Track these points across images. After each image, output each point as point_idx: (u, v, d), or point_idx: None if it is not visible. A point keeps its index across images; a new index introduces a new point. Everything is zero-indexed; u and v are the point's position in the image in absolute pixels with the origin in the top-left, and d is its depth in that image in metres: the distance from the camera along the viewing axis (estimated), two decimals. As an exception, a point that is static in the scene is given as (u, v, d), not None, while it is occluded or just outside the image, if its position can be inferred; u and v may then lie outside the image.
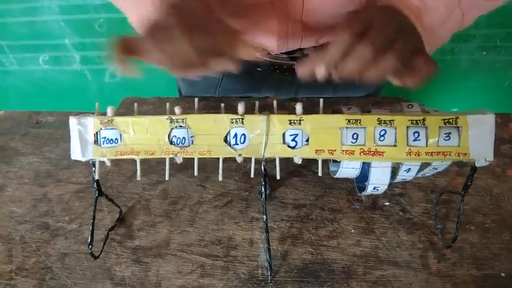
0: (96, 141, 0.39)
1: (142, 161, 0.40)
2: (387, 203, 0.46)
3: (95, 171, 0.40)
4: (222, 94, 0.66)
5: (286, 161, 0.50)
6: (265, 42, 0.54)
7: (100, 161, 0.40)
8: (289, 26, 0.50)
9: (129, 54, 0.35)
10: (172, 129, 0.38)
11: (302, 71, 0.37)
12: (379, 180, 0.39)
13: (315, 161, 0.38)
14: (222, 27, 0.35)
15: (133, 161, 0.40)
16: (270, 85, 0.64)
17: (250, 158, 0.39)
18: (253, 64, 0.59)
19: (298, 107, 0.37)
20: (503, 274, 0.40)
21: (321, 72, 0.36)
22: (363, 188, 0.41)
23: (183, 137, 0.38)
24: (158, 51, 0.34)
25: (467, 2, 0.42)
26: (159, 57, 0.34)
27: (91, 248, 0.40)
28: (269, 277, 0.40)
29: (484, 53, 1.13)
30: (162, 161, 0.52)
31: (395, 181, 0.40)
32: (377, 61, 0.34)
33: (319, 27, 0.49)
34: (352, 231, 0.44)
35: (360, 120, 0.36)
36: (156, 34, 0.34)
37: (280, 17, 0.49)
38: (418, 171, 0.39)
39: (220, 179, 0.39)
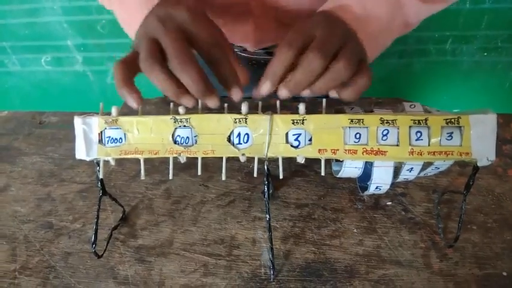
0: (100, 141, 0.39)
1: (146, 161, 0.40)
2: (389, 203, 0.47)
3: (99, 171, 0.40)
4: None
5: (289, 161, 0.50)
6: (241, 39, 0.54)
7: (104, 161, 0.40)
8: (264, 22, 0.51)
9: (133, 75, 0.34)
10: (176, 128, 0.38)
11: (256, 95, 0.36)
12: (381, 180, 0.39)
13: (318, 160, 0.38)
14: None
15: (137, 161, 0.40)
16: (251, 82, 0.64)
17: (253, 158, 0.39)
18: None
19: (301, 106, 0.37)
20: (505, 273, 0.40)
21: (266, 88, 0.35)
22: (366, 188, 0.41)
23: (187, 137, 0.38)
24: (166, 81, 0.34)
25: (409, 8, 0.41)
26: (168, 88, 0.34)
27: (95, 247, 0.41)
28: (272, 276, 0.40)
29: (486, 54, 1.13)
30: (165, 161, 0.52)
31: (397, 181, 0.41)
32: (326, 70, 0.33)
33: (294, 23, 0.50)
34: (355, 230, 0.44)
35: (362, 119, 0.36)
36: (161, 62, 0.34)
37: (255, 14, 0.50)
38: (421, 171, 0.39)
39: (223, 178, 0.39)
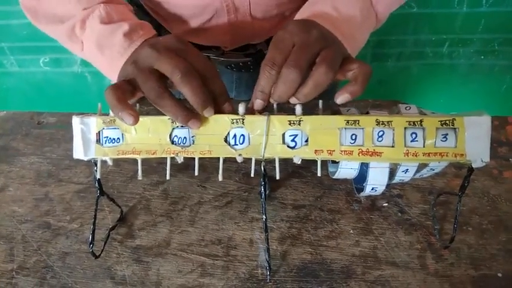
0: (98, 141, 0.39)
1: (143, 161, 0.40)
2: (385, 204, 0.47)
3: (96, 171, 0.40)
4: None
5: (286, 162, 0.51)
6: (218, 39, 0.55)
7: (102, 161, 0.40)
8: (239, 20, 0.52)
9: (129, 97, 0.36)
10: (173, 129, 0.38)
11: (247, 110, 0.38)
12: (377, 181, 0.39)
13: (315, 162, 0.39)
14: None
15: (134, 161, 0.40)
16: (230, 84, 0.65)
17: (250, 159, 0.39)
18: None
19: (298, 108, 0.37)
20: (500, 274, 0.40)
21: (259, 105, 0.37)
22: (361, 189, 0.42)
23: (184, 137, 0.38)
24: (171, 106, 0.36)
25: (378, 2, 0.43)
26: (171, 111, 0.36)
27: (92, 247, 0.41)
28: (268, 277, 0.40)
29: (482, 57, 1.14)
30: (162, 162, 0.52)
31: (393, 182, 0.41)
32: (310, 76, 0.35)
33: (269, 16, 0.50)
34: (351, 231, 0.45)
35: (358, 121, 0.36)
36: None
37: (228, 12, 0.51)
38: (416, 172, 0.39)
39: (220, 179, 0.39)
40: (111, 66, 0.41)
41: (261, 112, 0.38)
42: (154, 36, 0.42)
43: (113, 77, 0.40)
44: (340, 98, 0.36)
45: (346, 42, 0.39)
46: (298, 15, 0.43)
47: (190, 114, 0.36)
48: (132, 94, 0.37)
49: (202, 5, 0.51)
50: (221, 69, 0.61)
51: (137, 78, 0.36)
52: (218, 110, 0.37)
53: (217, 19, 0.52)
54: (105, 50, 0.41)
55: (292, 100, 0.37)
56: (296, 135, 0.37)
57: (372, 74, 0.36)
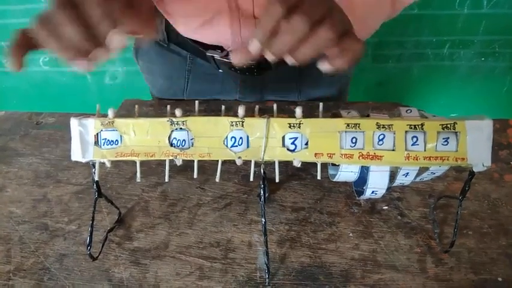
0: (96, 143, 0.39)
1: (142, 163, 0.40)
2: (385, 207, 0.47)
3: (94, 173, 0.40)
4: (189, 97, 0.66)
5: (286, 164, 0.50)
6: (221, 39, 0.55)
7: (100, 162, 0.40)
8: (242, 21, 0.51)
9: (30, 46, 0.34)
10: (172, 131, 0.38)
11: (235, 56, 0.35)
12: (377, 184, 0.39)
13: (314, 164, 0.38)
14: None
15: (133, 163, 0.40)
16: (234, 87, 0.64)
17: (250, 161, 0.39)
18: (215, 66, 0.60)
19: (298, 110, 0.37)
20: (500, 279, 0.40)
21: (255, 46, 0.33)
22: (362, 192, 0.42)
23: (183, 139, 0.38)
24: (50, 38, 0.33)
25: None
26: (53, 44, 0.33)
27: (90, 249, 0.40)
28: (267, 280, 0.40)
29: (483, 59, 1.14)
30: (161, 163, 0.52)
31: (393, 185, 0.41)
32: (312, 34, 0.32)
33: None
34: (351, 234, 0.44)
35: (358, 124, 0.36)
36: (46, 20, 0.33)
37: (231, 13, 0.50)
38: (416, 176, 0.39)
39: (217, 180, 0.39)
40: None
41: (260, 114, 0.38)
42: None
43: None
44: (325, 65, 0.34)
45: (357, 26, 0.37)
46: None
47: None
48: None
49: (204, 4, 0.50)
50: (226, 71, 0.61)
51: None
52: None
53: (219, 19, 0.52)
54: None
55: (290, 58, 0.33)
56: (296, 138, 0.37)
57: (362, 52, 0.34)
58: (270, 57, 0.33)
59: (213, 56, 0.57)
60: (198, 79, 0.64)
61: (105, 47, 0.33)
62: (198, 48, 0.57)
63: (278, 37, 0.33)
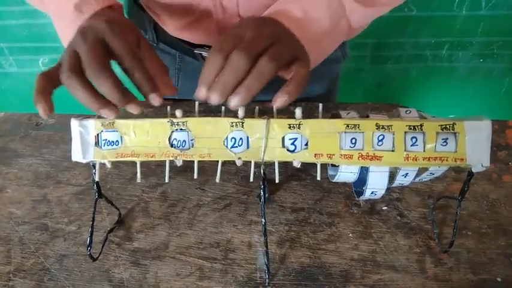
0: (97, 143, 0.39)
1: (142, 164, 0.40)
2: (385, 208, 0.47)
3: (95, 173, 0.40)
4: (181, 96, 0.66)
5: (285, 165, 0.51)
6: (207, 37, 0.55)
7: (100, 163, 0.40)
8: (227, 20, 0.52)
9: (53, 87, 0.36)
10: (172, 132, 0.38)
11: (197, 97, 0.36)
12: (377, 185, 0.39)
13: (314, 165, 0.38)
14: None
15: (133, 164, 0.40)
16: None
17: (250, 162, 0.39)
18: (203, 64, 0.61)
19: (298, 111, 0.37)
20: (499, 279, 0.40)
21: (201, 94, 0.35)
22: (361, 193, 0.42)
23: (184, 140, 0.38)
24: (79, 91, 0.34)
25: (352, 13, 0.42)
26: (83, 98, 0.34)
27: (90, 250, 0.40)
28: (267, 280, 0.40)
29: (481, 60, 1.14)
30: (161, 164, 0.52)
31: (392, 186, 0.41)
32: (253, 68, 0.33)
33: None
34: (350, 235, 0.44)
35: (358, 125, 0.36)
36: (76, 72, 0.34)
37: (216, 11, 0.51)
38: (416, 176, 0.39)
39: (217, 180, 0.39)
40: (64, 38, 0.41)
41: (260, 115, 0.38)
42: (107, 8, 0.39)
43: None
44: (278, 101, 0.34)
45: (309, 45, 0.38)
46: (266, 12, 0.42)
47: (127, 99, 0.34)
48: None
49: (190, 4, 0.51)
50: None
51: (80, 49, 0.34)
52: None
53: (205, 18, 0.52)
54: (60, 19, 0.42)
55: (231, 99, 0.34)
56: (296, 139, 0.37)
57: (307, 80, 0.35)
58: (215, 99, 0.34)
59: (201, 54, 0.58)
60: (189, 77, 0.64)
61: (136, 101, 0.35)
62: (187, 47, 0.58)
63: (219, 76, 0.33)
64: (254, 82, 0.33)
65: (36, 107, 0.35)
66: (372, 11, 0.44)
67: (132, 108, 0.35)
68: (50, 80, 0.35)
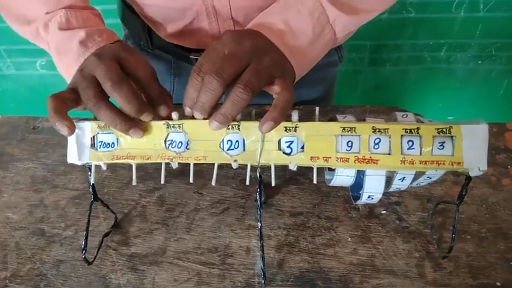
0: (92, 145, 0.39)
1: (139, 168, 0.40)
2: (384, 212, 0.47)
3: (90, 175, 0.40)
4: (177, 101, 0.67)
5: (283, 169, 0.50)
6: (200, 41, 0.55)
7: (96, 166, 0.40)
8: (220, 24, 0.52)
9: (69, 107, 0.36)
10: (168, 134, 0.38)
11: (185, 113, 0.38)
12: (373, 189, 0.39)
13: (312, 168, 0.38)
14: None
15: (130, 168, 0.40)
16: None
17: (247, 166, 0.39)
18: None
19: (294, 114, 0.37)
20: (498, 283, 0.40)
21: (186, 111, 0.37)
22: (358, 197, 0.41)
23: (180, 142, 0.38)
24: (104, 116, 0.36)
25: (336, 22, 0.42)
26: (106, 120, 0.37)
27: (84, 253, 0.40)
28: (263, 285, 0.40)
29: (480, 62, 1.14)
30: (159, 168, 0.52)
31: (389, 190, 0.41)
32: (229, 96, 0.34)
33: (251, 20, 0.50)
34: (349, 239, 0.44)
35: (354, 128, 0.36)
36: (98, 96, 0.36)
37: (209, 15, 0.51)
38: (413, 181, 0.39)
39: (213, 183, 0.39)
40: (67, 72, 0.42)
41: (257, 118, 0.38)
42: (112, 43, 0.42)
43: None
44: (264, 127, 0.35)
45: (293, 57, 0.39)
46: (249, 25, 0.43)
47: (129, 123, 0.36)
48: (76, 103, 0.37)
49: (182, 8, 0.51)
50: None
51: (79, 86, 0.36)
52: (156, 113, 0.38)
53: (198, 22, 0.52)
54: (63, 56, 0.42)
55: (210, 124, 0.36)
56: (292, 142, 0.37)
57: (291, 103, 0.36)
58: (198, 116, 0.36)
59: (196, 59, 0.58)
60: (184, 82, 0.65)
61: (150, 110, 0.37)
62: (181, 52, 0.58)
63: (197, 97, 0.35)
64: (231, 109, 0.35)
65: (57, 127, 0.35)
66: (357, 18, 0.44)
67: (136, 133, 0.37)
68: (63, 102, 0.36)
